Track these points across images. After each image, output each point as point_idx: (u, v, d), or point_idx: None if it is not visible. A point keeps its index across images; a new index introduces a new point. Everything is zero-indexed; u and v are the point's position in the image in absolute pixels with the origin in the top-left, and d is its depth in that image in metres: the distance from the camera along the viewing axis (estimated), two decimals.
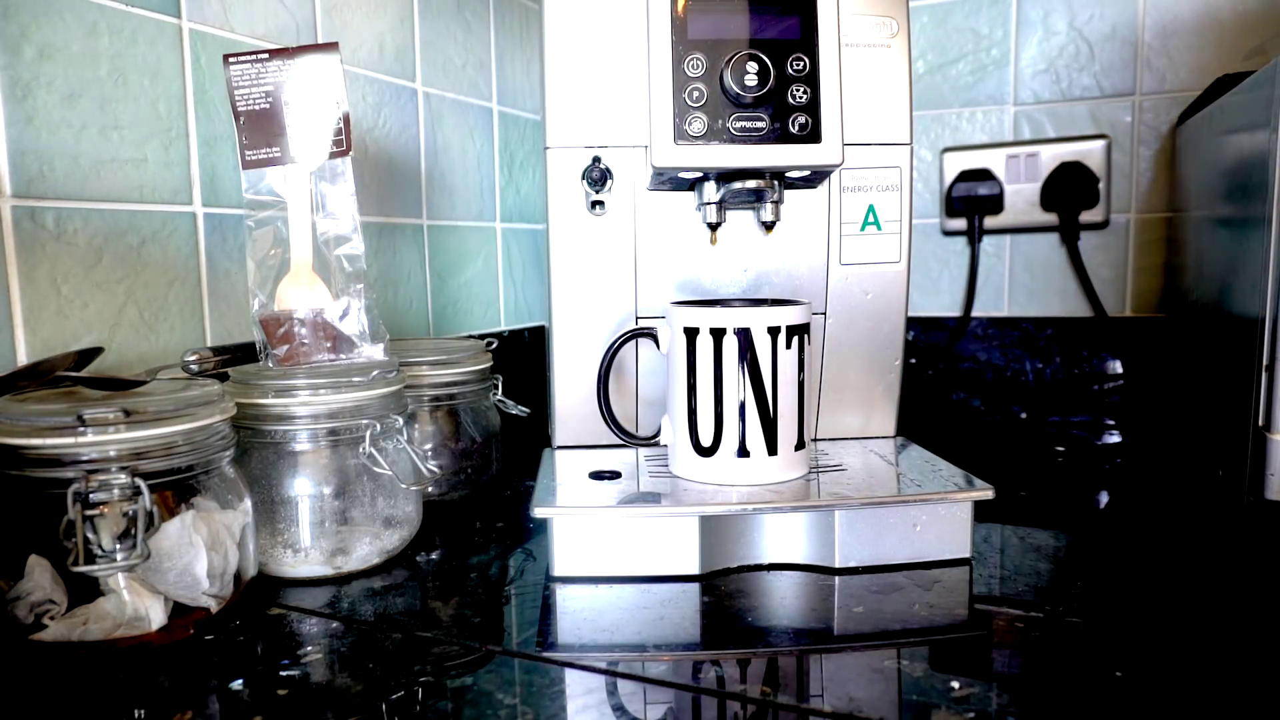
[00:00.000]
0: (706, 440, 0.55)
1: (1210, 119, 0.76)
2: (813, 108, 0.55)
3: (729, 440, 0.54)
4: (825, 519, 0.53)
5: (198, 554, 0.43)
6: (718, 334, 0.54)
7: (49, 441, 0.40)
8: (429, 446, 0.68)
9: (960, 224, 1.03)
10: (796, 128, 0.55)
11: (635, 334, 0.58)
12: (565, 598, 0.50)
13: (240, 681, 0.40)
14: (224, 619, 0.46)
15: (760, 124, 0.55)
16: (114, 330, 0.58)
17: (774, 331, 0.53)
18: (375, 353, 0.57)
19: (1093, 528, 0.62)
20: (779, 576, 0.53)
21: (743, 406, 0.54)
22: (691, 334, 0.55)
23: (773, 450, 0.54)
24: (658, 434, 0.59)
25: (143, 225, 0.59)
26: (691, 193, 0.63)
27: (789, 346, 0.54)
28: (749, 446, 0.54)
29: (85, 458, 0.40)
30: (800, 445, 0.56)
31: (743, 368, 0.53)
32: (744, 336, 0.53)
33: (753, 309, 0.55)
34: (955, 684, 0.39)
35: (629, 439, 0.59)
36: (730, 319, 0.54)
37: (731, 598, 0.49)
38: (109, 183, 0.57)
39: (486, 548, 0.59)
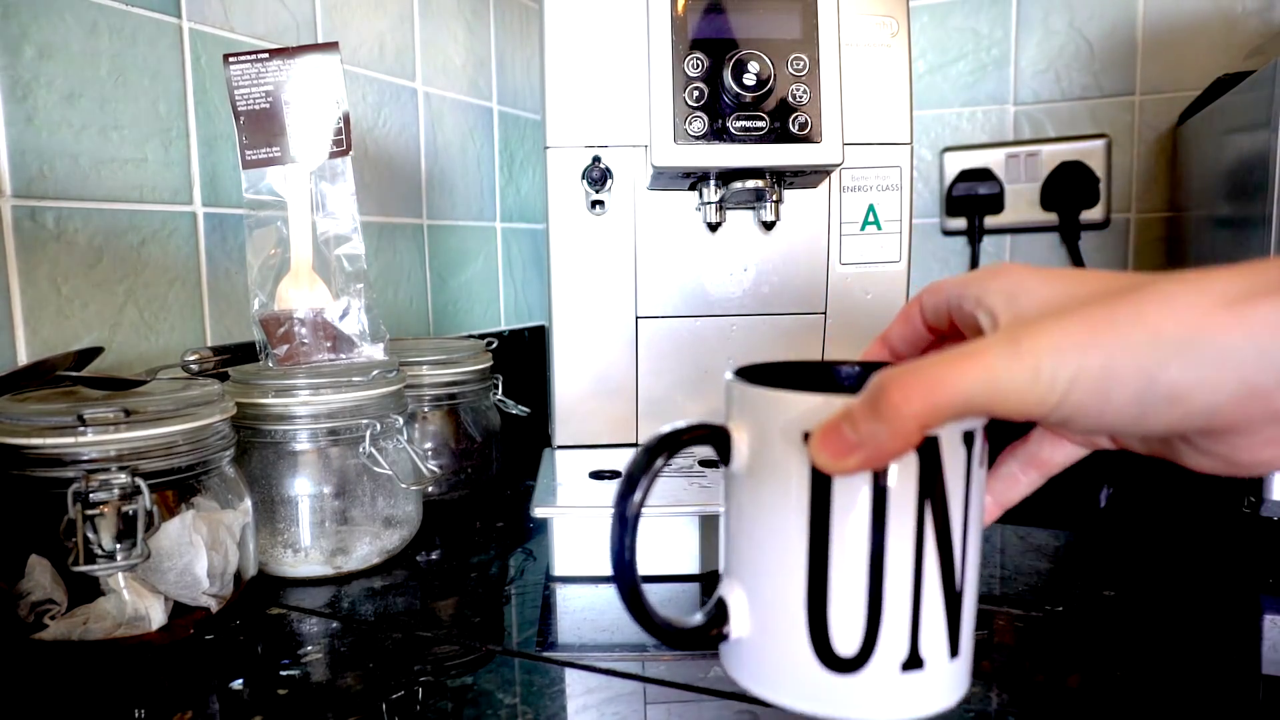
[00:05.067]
0: (849, 646, 0.27)
1: (1210, 119, 0.76)
2: (812, 107, 0.55)
3: (891, 644, 0.27)
4: None
5: (198, 554, 0.43)
6: None
7: (49, 441, 0.40)
8: (429, 446, 0.68)
9: (960, 223, 1.03)
10: (796, 127, 0.55)
11: (684, 441, 0.28)
12: (565, 598, 0.50)
13: (240, 681, 0.40)
14: (224, 619, 0.46)
15: (760, 123, 0.55)
16: (114, 330, 0.58)
17: (970, 437, 0.27)
18: (375, 352, 0.57)
19: (1092, 528, 0.62)
20: None
21: (919, 581, 0.27)
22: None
23: (955, 650, 0.28)
24: (719, 621, 0.30)
25: (143, 225, 0.59)
26: (692, 192, 0.63)
27: (983, 462, 0.28)
28: (923, 651, 0.27)
29: (85, 457, 0.40)
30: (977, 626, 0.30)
31: (924, 510, 0.27)
32: (930, 451, 0.26)
33: None
34: None
35: (674, 638, 0.30)
36: None
37: None
38: (109, 182, 0.57)
39: (486, 548, 0.59)
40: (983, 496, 0.29)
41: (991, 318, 0.26)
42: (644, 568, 0.41)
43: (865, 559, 0.27)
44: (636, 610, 0.30)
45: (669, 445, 0.28)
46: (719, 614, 0.30)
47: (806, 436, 0.26)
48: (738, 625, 0.29)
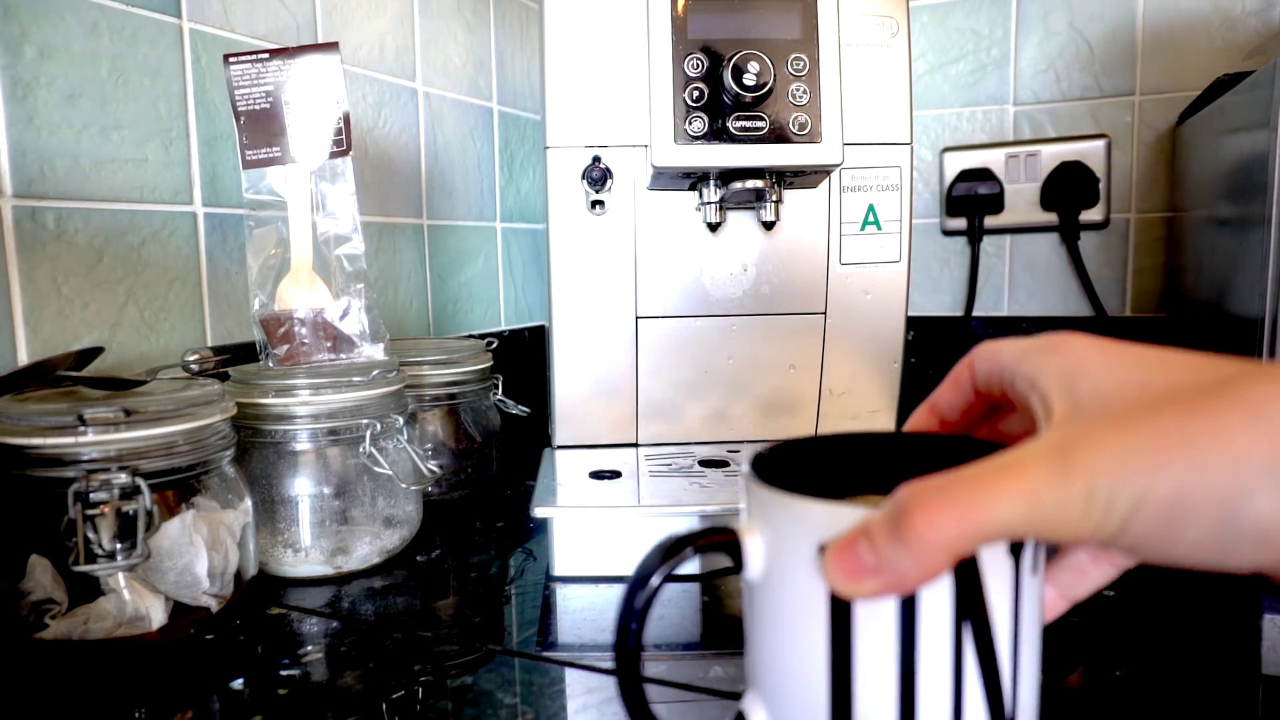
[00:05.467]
0: None
1: (1210, 119, 0.76)
2: (812, 107, 0.55)
3: None
4: None
5: (198, 554, 0.43)
6: None
7: (49, 441, 0.40)
8: (429, 446, 0.68)
9: (960, 224, 1.03)
10: (796, 127, 0.55)
11: (686, 554, 0.26)
12: (565, 597, 0.50)
13: (240, 681, 0.40)
14: (224, 618, 0.46)
15: (760, 124, 0.55)
16: (114, 330, 0.58)
17: (1018, 546, 0.23)
18: (375, 352, 0.57)
19: None
20: None
21: (958, 710, 0.24)
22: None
23: None
24: None
25: (143, 225, 0.59)
26: (692, 192, 0.63)
27: (1036, 570, 0.25)
28: None
29: (85, 457, 0.40)
30: None
31: (961, 631, 0.23)
32: (966, 573, 0.23)
33: None
34: None
35: None
36: None
37: (732, 597, 0.49)
38: (109, 182, 0.57)
39: (486, 548, 0.59)
40: (1039, 604, 0.25)
41: (1045, 405, 0.22)
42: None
43: (894, 686, 0.23)
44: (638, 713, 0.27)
45: (677, 549, 0.25)
46: None
47: (823, 549, 0.23)
48: None
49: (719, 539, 0.25)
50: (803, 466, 0.27)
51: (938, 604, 0.23)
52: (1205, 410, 0.19)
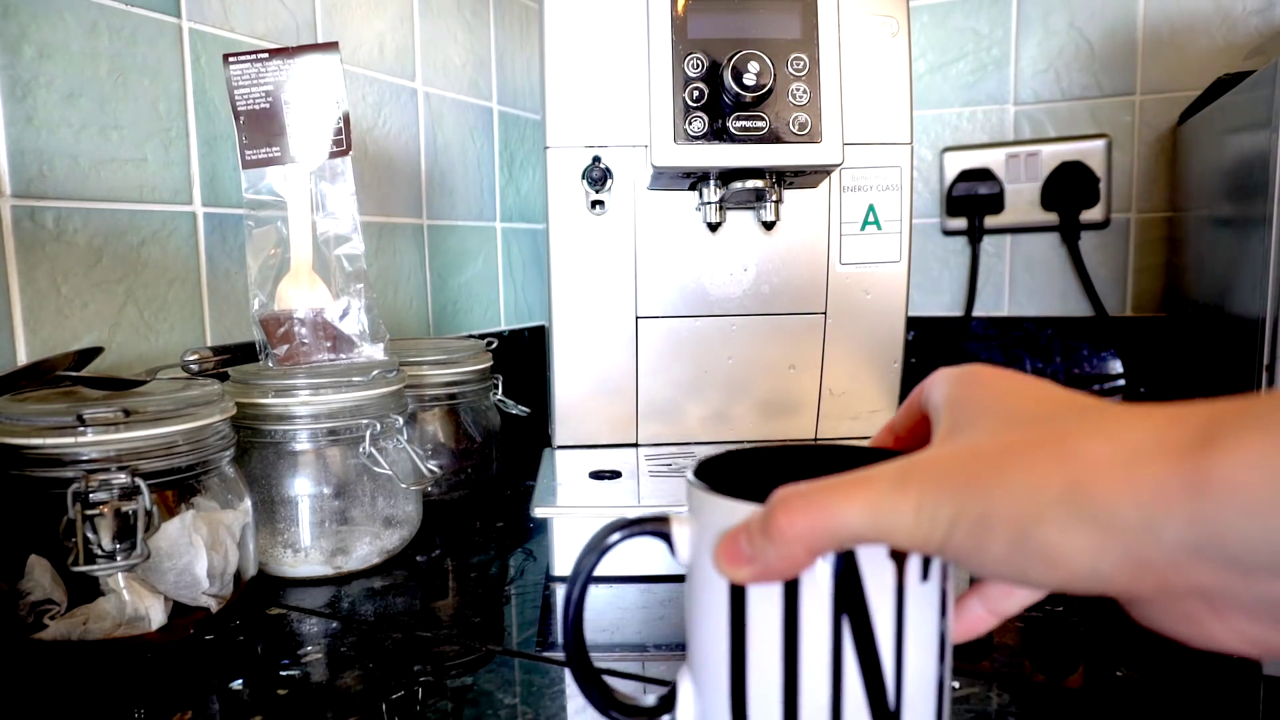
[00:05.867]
0: None
1: (1210, 119, 0.76)
2: (812, 107, 0.55)
3: None
4: None
5: (198, 554, 0.43)
6: None
7: (49, 441, 0.40)
8: (429, 446, 0.68)
9: (960, 223, 1.03)
10: (796, 127, 0.55)
11: (623, 536, 0.30)
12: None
13: (240, 681, 0.40)
14: (224, 619, 0.46)
15: (760, 123, 0.55)
16: (114, 330, 0.58)
17: (901, 554, 0.25)
18: (375, 352, 0.57)
19: None
20: None
21: (838, 698, 0.26)
22: None
23: None
24: (669, 706, 0.31)
25: (143, 225, 0.59)
26: (692, 192, 0.63)
27: (926, 577, 0.26)
28: None
29: (85, 458, 0.40)
30: None
31: (840, 626, 0.26)
32: (846, 567, 0.25)
33: None
34: (956, 684, 0.39)
35: (623, 715, 0.31)
36: None
37: None
38: (109, 182, 0.57)
39: (486, 548, 0.59)
40: (933, 610, 0.26)
41: (937, 429, 0.25)
42: (640, 567, 0.41)
43: (779, 668, 0.26)
44: (589, 685, 0.30)
45: (616, 529, 0.30)
46: (669, 698, 0.31)
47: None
48: (684, 713, 0.30)
49: (655, 526, 0.30)
50: (749, 472, 0.31)
51: (817, 595, 0.25)
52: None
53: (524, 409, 0.74)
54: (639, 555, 0.52)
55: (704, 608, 0.28)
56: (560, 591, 0.50)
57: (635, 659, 0.42)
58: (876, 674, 0.26)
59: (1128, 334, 0.98)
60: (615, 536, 0.30)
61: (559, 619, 0.29)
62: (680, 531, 0.29)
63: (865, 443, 0.33)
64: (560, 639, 0.29)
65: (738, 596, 0.26)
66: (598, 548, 0.30)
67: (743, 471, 0.31)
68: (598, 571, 0.31)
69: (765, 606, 0.26)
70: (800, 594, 0.25)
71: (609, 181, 0.63)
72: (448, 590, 0.52)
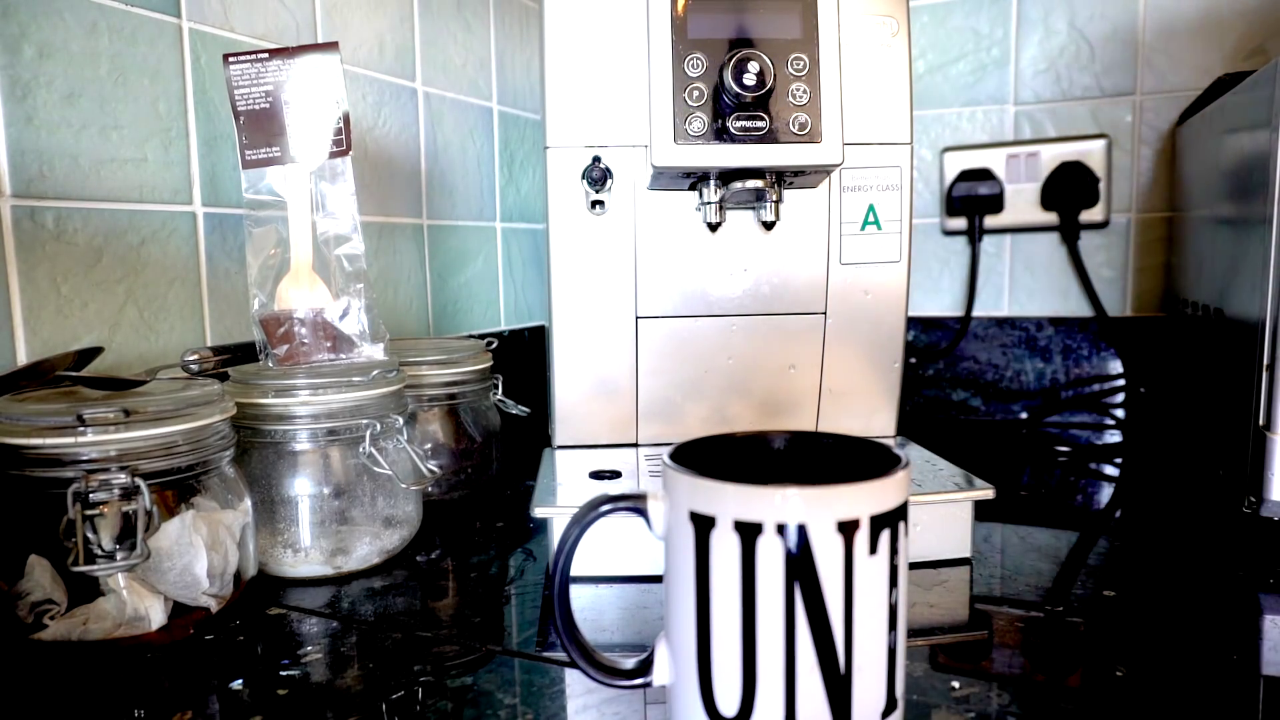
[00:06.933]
0: (729, 706, 0.30)
1: (1210, 119, 0.76)
2: (812, 107, 0.55)
3: (767, 711, 0.30)
4: None
5: (198, 554, 0.43)
6: (749, 531, 0.29)
7: (49, 441, 0.40)
8: (429, 446, 0.68)
9: (960, 224, 1.03)
10: (796, 127, 0.55)
11: (607, 510, 0.33)
12: None
13: (240, 681, 0.40)
14: (224, 619, 0.46)
15: (760, 123, 0.55)
16: (114, 330, 0.58)
17: (849, 528, 0.29)
18: (375, 352, 0.57)
19: (1093, 528, 0.62)
20: None
21: (791, 658, 0.29)
22: (703, 525, 0.30)
23: None
24: (647, 668, 0.34)
25: (143, 225, 0.59)
26: (692, 192, 0.63)
27: (874, 550, 0.29)
28: None
29: (85, 457, 0.40)
30: (891, 708, 0.31)
31: (793, 593, 0.29)
32: (797, 539, 0.28)
33: (813, 490, 0.29)
34: (956, 684, 0.39)
35: (604, 675, 0.34)
36: (772, 505, 0.29)
37: None
38: (109, 182, 0.57)
39: (486, 548, 0.59)
40: (888, 585, 0.30)
41: None
42: (638, 567, 0.44)
43: (738, 633, 0.30)
44: (574, 648, 0.34)
45: (601, 503, 0.33)
46: (648, 661, 0.34)
47: (691, 514, 0.30)
48: (660, 674, 0.33)
49: (633, 501, 0.33)
50: (722, 457, 0.35)
51: (772, 565, 0.29)
52: None
53: (524, 409, 0.74)
54: (639, 555, 0.52)
55: (675, 578, 0.32)
56: None
57: (635, 659, 0.42)
58: (828, 639, 0.29)
59: (1128, 334, 0.98)
60: (604, 509, 0.32)
61: (554, 565, 0.33)
62: (655, 507, 0.32)
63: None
64: (554, 591, 0.33)
65: (703, 567, 0.30)
66: (583, 520, 0.32)
67: (717, 456, 0.35)
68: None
69: (726, 576, 0.29)
70: (756, 564, 0.29)
71: (609, 181, 0.63)
72: (448, 590, 0.52)
